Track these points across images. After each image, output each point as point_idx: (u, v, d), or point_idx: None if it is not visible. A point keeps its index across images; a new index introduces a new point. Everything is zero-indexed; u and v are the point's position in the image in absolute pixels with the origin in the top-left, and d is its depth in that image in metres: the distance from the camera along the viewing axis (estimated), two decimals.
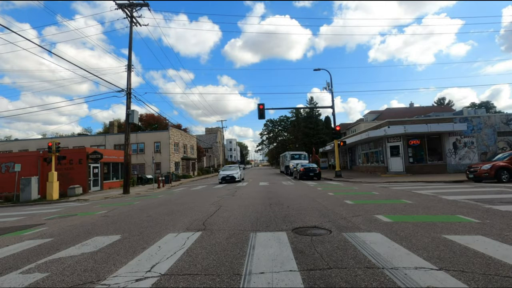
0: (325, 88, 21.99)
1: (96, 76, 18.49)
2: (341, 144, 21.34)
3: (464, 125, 19.01)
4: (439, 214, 5.84)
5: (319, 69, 22.67)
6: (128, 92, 18.74)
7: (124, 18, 18.93)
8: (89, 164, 21.44)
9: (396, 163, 19.93)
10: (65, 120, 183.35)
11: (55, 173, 17.06)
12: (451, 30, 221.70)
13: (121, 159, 23.59)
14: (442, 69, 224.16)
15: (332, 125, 21.44)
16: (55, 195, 16.79)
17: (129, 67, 19.03)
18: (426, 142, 19.75)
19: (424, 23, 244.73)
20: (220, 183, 20.95)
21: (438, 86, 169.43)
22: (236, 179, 21.16)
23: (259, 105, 20.97)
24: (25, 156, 21.40)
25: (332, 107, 21.79)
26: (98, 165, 22.35)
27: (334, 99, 22.74)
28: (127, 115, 18.62)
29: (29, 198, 16.50)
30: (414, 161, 19.71)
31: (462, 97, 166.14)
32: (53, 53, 14.36)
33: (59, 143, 17.82)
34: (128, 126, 18.82)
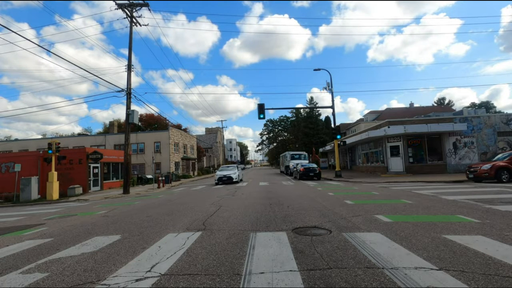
0: (325, 88, 22.00)
1: (96, 76, 18.47)
2: (341, 144, 21.36)
3: (464, 125, 19.01)
4: (439, 214, 5.84)
5: (319, 69, 22.68)
6: (128, 92, 18.73)
7: (124, 18, 18.93)
8: (89, 164, 21.44)
9: (396, 163, 19.93)
10: (64, 120, 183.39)
11: (55, 173, 17.06)
12: (450, 30, 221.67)
13: (121, 159, 23.60)
14: (441, 69, 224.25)
15: (332, 125, 21.45)
16: (55, 195, 16.79)
17: (129, 67, 19.03)
18: (426, 142, 19.75)
19: (423, 23, 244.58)
20: (217, 184, 20.16)
21: (437, 86, 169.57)
22: (234, 180, 20.21)
23: (259, 104, 20.97)
24: (25, 156, 21.41)
25: (332, 107, 21.78)
26: (98, 165, 22.35)
27: (334, 99, 22.79)
28: (127, 115, 18.62)
29: (29, 198, 16.50)
30: (414, 161, 19.71)
31: (462, 97, 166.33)
32: (52, 53, 14.36)
33: (59, 143, 17.81)
34: (128, 126, 18.81)
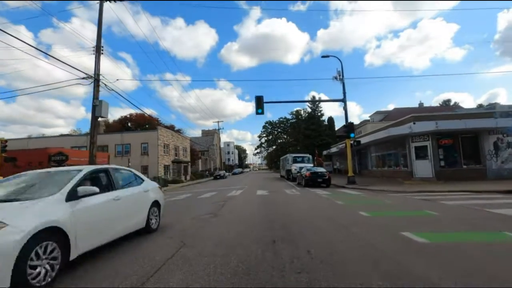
0: (335, 78, 18.59)
1: (60, 61, 14.67)
2: (355, 144, 17.88)
3: (509, 120, 15.46)
4: None
5: (327, 56, 19.33)
6: (96, 79, 15.22)
7: None
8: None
9: (423, 167, 16.38)
10: (62, 123, 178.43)
11: None
12: (447, 35, 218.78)
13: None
14: (438, 73, 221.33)
15: (345, 121, 17.98)
16: None
17: (98, 49, 15.50)
18: (460, 142, 16.23)
19: (420, 28, 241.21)
20: None
21: (435, 89, 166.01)
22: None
23: (257, 97, 17.53)
24: None
25: (344, 100, 18.41)
26: None
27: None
28: (93, 106, 15.04)
29: None
30: (446, 164, 16.16)
31: (460, 101, 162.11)
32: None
33: (6, 141, 14.25)
34: (94, 121, 15.26)
